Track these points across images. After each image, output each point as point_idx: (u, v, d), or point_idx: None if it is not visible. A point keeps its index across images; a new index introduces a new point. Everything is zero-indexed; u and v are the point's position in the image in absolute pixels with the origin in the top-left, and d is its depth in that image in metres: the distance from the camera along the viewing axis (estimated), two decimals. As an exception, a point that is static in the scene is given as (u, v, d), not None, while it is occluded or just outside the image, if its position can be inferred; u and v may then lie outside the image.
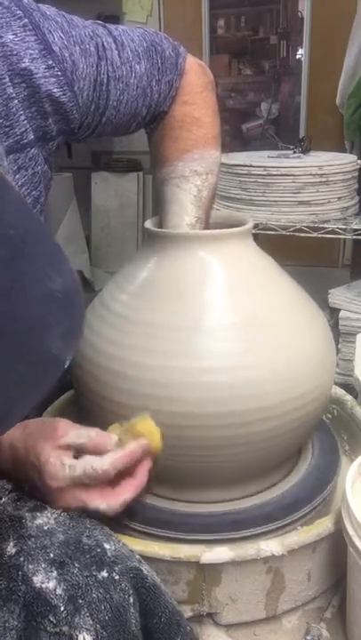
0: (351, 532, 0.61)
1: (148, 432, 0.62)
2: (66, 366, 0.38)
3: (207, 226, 0.76)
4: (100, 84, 0.65)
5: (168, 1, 3.17)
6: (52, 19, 0.62)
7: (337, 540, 0.65)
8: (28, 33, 0.59)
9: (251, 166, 1.57)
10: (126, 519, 0.68)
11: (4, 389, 0.35)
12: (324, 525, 0.66)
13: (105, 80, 0.65)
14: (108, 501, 0.59)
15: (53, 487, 0.58)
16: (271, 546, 0.63)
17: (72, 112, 0.64)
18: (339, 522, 0.64)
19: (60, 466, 0.58)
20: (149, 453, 0.62)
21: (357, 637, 0.64)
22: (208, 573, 0.64)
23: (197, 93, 0.74)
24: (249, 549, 0.63)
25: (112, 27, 0.69)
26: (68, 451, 0.59)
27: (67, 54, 0.62)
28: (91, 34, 0.65)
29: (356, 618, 0.64)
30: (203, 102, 0.75)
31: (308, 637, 0.66)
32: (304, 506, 0.72)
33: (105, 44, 0.66)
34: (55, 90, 0.61)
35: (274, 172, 1.55)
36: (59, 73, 0.61)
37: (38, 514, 0.57)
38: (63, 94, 0.62)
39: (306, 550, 0.66)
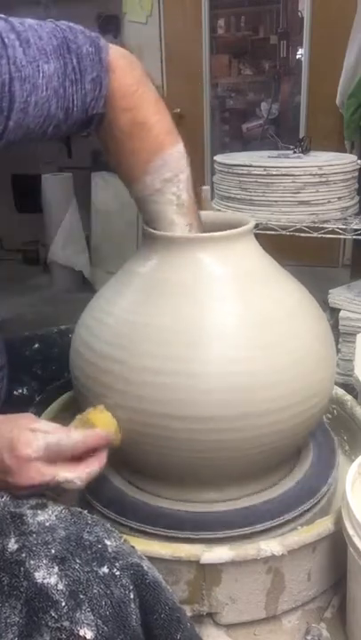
0: (351, 531, 0.61)
1: (102, 423, 0.65)
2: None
3: (201, 224, 0.75)
4: (2, 85, 0.60)
5: (168, 1, 3.16)
6: None
7: (337, 540, 0.65)
8: None
9: (251, 166, 1.57)
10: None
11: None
12: (324, 525, 0.66)
13: (7, 80, 0.60)
14: (76, 473, 0.60)
15: (24, 456, 0.57)
16: (271, 546, 0.63)
17: None
18: (339, 522, 0.64)
19: (34, 434, 0.59)
20: (107, 442, 0.65)
21: (357, 637, 0.64)
22: (208, 573, 0.64)
23: (132, 94, 0.69)
24: (249, 549, 0.63)
25: (16, 21, 0.63)
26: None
27: None
28: None
29: (356, 618, 0.64)
30: (141, 102, 0.70)
31: (308, 637, 0.66)
32: (304, 506, 0.72)
33: (5, 40, 0.60)
34: None
35: (274, 172, 1.55)
36: None
37: (39, 511, 0.57)
38: None
39: (306, 550, 0.66)
